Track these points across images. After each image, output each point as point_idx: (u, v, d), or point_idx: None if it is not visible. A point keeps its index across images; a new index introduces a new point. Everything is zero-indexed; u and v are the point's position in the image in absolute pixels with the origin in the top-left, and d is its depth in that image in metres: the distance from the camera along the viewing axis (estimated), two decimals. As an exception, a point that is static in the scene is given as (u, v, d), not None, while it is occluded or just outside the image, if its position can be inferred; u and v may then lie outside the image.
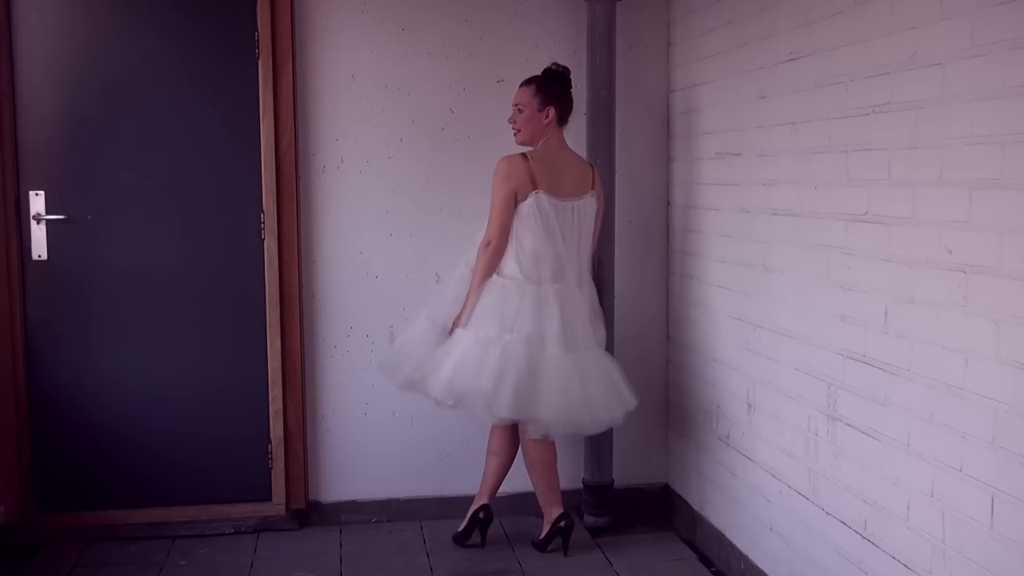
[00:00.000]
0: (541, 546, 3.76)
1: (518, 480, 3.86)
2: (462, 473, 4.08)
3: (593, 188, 3.70)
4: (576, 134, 4.05)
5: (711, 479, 3.81)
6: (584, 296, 3.69)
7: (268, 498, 4.03)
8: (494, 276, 3.59)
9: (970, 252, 2.25)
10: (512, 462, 3.81)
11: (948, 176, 2.32)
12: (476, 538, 3.83)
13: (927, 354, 2.42)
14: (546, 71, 3.72)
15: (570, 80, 3.73)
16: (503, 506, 3.96)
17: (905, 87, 2.48)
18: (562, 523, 3.72)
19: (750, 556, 3.46)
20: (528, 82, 3.70)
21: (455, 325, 3.60)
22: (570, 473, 4.16)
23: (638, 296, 4.22)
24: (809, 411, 3.02)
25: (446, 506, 4.10)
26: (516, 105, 3.69)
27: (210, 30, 3.89)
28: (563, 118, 3.70)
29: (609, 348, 3.97)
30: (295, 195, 3.95)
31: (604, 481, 4.10)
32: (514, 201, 3.56)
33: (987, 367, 2.21)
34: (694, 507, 3.98)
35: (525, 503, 4.00)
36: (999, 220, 2.16)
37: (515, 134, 3.71)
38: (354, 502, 4.11)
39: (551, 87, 3.67)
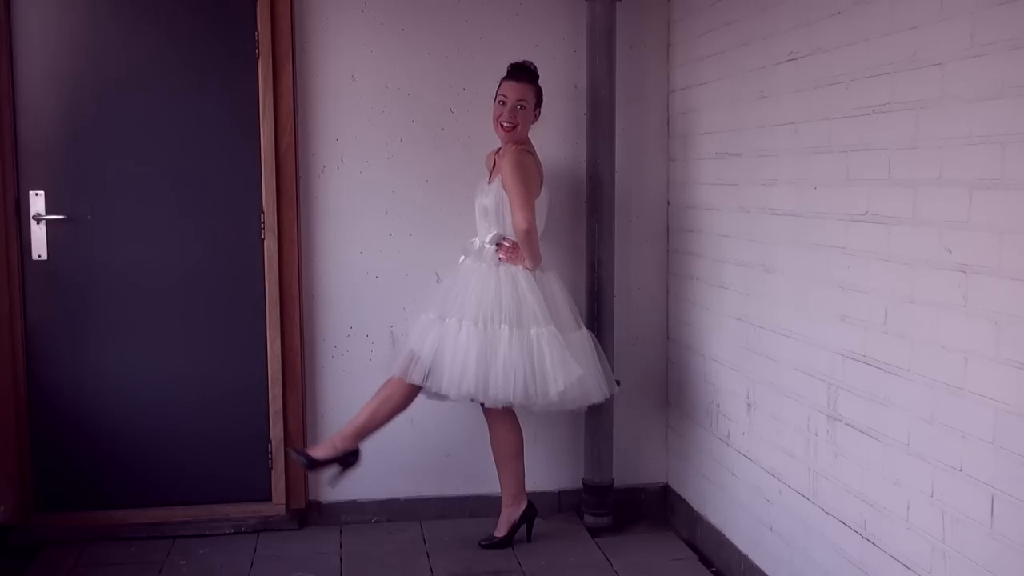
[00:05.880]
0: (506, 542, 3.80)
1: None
2: (462, 473, 4.08)
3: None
4: (576, 134, 4.06)
5: (711, 479, 3.81)
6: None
7: (268, 498, 4.03)
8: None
9: (970, 252, 2.25)
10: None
11: (948, 176, 2.32)
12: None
13: (927, 354, 2.42)
14: (530, 71, 3.65)
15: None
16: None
17: (905, 87, 2.48)
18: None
19: (750, 556, 3.46)
20: (526, 77, 3.63)
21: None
22: (570, 473, 4.17)
23: (638, 296, 4.22)
24: (809, 411, 3.02)
25: (446, 506, 4.10)
26: (518, 101, 3.58)
27: (210, 30, 3.89)
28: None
29: (609, 348, 3.99)
30: (295, 195, 3.95)
31: (604, 481, 4.10)
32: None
33: (987, 367, 2.21)
34: (694, 507, 3.97)
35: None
36: (999, 220, 2.16)
37: (508, 131, 3.60)
38: (354, 502, 4.11)
39: (538, 87, 3.68)
